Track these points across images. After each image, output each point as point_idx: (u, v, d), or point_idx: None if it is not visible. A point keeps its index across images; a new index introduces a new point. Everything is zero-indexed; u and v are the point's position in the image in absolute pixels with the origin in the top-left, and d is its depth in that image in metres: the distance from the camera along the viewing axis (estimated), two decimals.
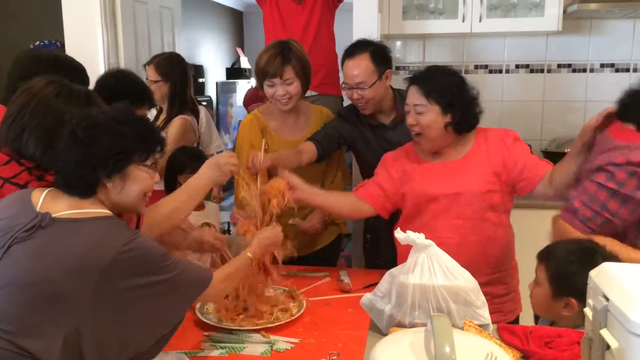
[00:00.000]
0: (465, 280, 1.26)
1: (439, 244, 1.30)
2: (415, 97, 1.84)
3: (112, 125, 1.36)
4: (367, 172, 2.40)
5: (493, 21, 2.93)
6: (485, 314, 1.27)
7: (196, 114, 2.82)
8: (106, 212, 1.34)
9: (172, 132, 2.60)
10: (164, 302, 1.34)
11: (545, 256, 1.46)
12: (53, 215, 1.29)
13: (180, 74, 2.74)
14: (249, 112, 3.37)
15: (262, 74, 2.19)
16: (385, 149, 2.26)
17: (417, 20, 3.00)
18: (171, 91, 2.72)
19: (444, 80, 1.84)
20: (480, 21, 2.89)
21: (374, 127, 2.29)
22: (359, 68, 2.14)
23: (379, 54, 2.18)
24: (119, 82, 2.10)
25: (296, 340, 1.67)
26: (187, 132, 2.68)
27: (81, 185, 1.33)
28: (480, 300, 1.28)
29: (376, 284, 1.98)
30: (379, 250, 2.42)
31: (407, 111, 1.87)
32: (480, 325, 1.24)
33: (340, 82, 2.30)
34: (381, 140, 2.28)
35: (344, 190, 2.57)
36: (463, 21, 2.90)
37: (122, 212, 1.41)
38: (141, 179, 1.40)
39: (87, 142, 1.32)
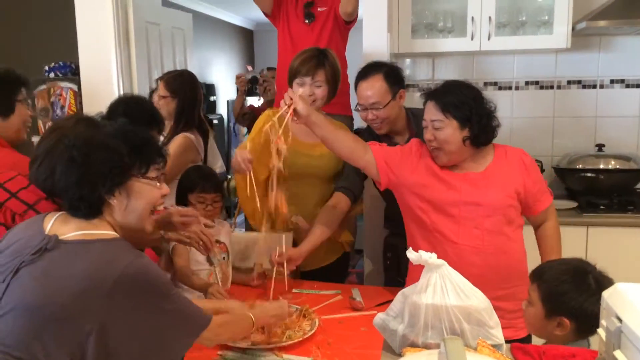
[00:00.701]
0: (478, 300, 1.26)
1: (458, 250, 1.31)
2: (432, 112, 1.84)
3: (105, 141, 1.35)
4: (386, 194, 2.41)
5: (502, 39, 2.95)
6: (498, 334, 1.27)
7: (204, 134, 2.81)
8: (112, 233, 1.34)
9: (172, 149, 2.56)
10: (163, 332, 1.31)
11: (537, 276, 1.48)
12: (60, 238, 1.29)
13: (190, 92, 2.75)
14: (237, 121, 4.21)
15: (294, 73, 2.24)
16: None
17: (426, 38, 3.02)
18: (178, 108, 2.71)
19: (461, 95, 1.84)
20: (489, 39, 2.91)
21: None
22: (373, 89, 2.17)
23: (392, 74, 2.21)
24: (129, 108, 2.12)
25: (309, 359, 1.67)
26: (188, 151, 2.65)
27: (84, 206, 1.32)
28: (493, 320, 1.28)
29: (388, 302, 2.00)
30: (400, 267, 2.42)
31: (425, 126, 1.87)
32: (494, 346, 1.24)
33: (354, 104, 2.32)
34: None
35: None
36: (472, 39, 2.92)
37: (130, 234, 1.39)
38: (145, 192, 1.39)
39: (82, 161, 1.31)
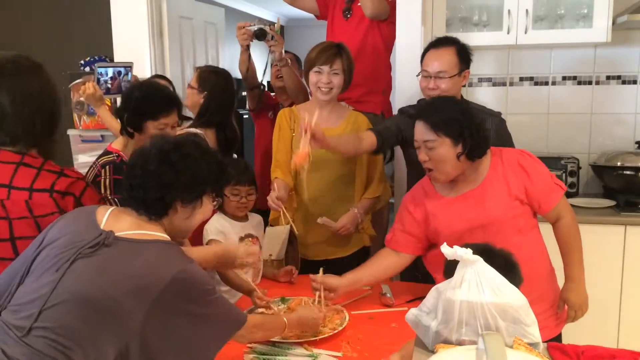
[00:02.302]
0: (514, 297, 1.23)
1: None
2: (423, 132, 1.81)
3: (202, 156, 1.43)
4: (417, 173, 2.38)
5: (539, 33, 2.88)
6: (535, 332, 1.23)
7: (229, 142, 2.67)
8: (165, 236, 1.39)
9: None
10: (203, 333, 1.37)
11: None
12: (116, 234, 1.33)
13: (219, 92, 2.61)
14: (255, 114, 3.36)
15: (312, 62, 2.33)
16: None
17: (461, 32, 2.97)
18: (204, 104, 2.60)
19: (449, 111, 1.82)
20: (525, 33, 2.84)
21: None
22: (443, 58, 2.21)
23: (464, 52, 2.25)
24: (144, 93, 2.14)
25: (339, 354, 1.66)
26: None
27: (159, 206, 1.38)
28: (530, 318, 1.24)
29: (419, 298, 1.99)
30: (416, 261, 2.39)
31: (417, 147, 1.85)
32: (530, 344, 1.21)
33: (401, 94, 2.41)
34: None
35: (383, 200, 2.58)
36: (508, 33, 2.86)
37: (174, 237, 1.44)
38: (206, 210, 1.48)
39: (179, 168, 1.38)
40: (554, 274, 1.99)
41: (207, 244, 2.16)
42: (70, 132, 3.24)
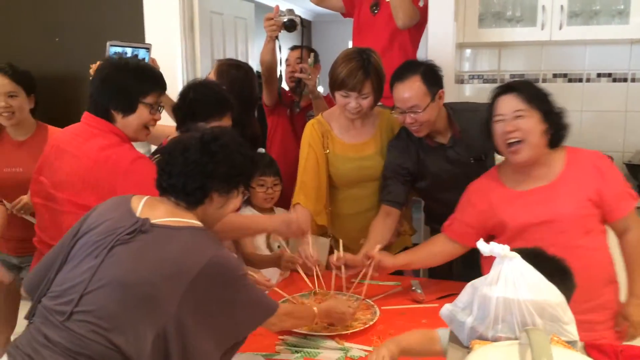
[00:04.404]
0: (552, 294, 1.21)
1: None
2: (514, 103, 1.78)
3: (238, 148, 1.47)
4: (433, 198, 2.37)
5: (574, 29, 2.84)
6: (573, 331, 1.22)
7: (249, 138, 2.42)
8: (198, 223, 1.41)
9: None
10: (234, 319, 1.39)
11: None
12: (152, 221, 1.36)
13: (239, 88, 2.42)
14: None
15: (340, 84, 2.15)
16: (447, 169, 2.22)
17: (494, 28, 2.94)
18: None
19: (538, 90, 1.82)
20: (560, 29, 2.81)
21: (434, 149, 2.22)
22: (411, 91, 2.05)
23: (430, 74, 2.09)
24: (199, 94, 2.10)
25: (370, 349, 1.66)
26: None
27: (198, 195, 1.42)
28: (568, 316, 1.23)
29: (450, 295, 1.98)
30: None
31: (500, 120, 1.80)
32: (568, 342, 1.19)
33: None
34: (442, 160, 2.22)
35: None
36: (542, 29, 2.82)
37: (205, 226, 1.46)
38: (237, 200, 1.51)
39: (221, 158, 1.42)
40: (617, 286, 1.91)
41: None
42: None
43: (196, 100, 2.06)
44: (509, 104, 1.79)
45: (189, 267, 1.29)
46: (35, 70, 2.66)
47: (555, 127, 1.79)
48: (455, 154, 2.20)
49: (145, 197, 1.45)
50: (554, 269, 1.32)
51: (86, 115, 1.88)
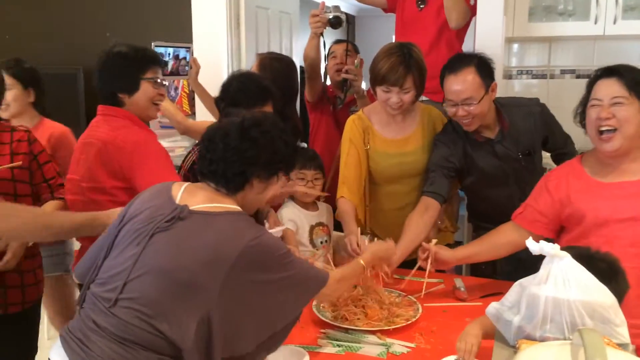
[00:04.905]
0: (604, 295, 1.18)
1: None
2: (614, 89, 1.66)
3: (280, 134, 1.46)
4: (479, 195, 2.32)
5: (629, 23, 2.74)
6: (625, 333, 1.18)
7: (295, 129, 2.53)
8: (237, 207, 1.42)
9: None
10: (283, 297, 1.39)
11: None
12: (190, 208, 1.37)
13: (281, 81, 2.47)
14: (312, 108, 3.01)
15: (381, 80, 2.14)
16: (495, 165, 2.18)
17: (544, 22, 2.87)
18: None
19: None
20: (614, 23, 2.71)
21: (481, 144, 2.19)
22: (465, 83, 2.03)
23: (483, 66, 2.07)
24: (242, 84, 2.15)
25: (412, 345, 1.65)
26: None
27: (238, 181, 1.42)
28: (620, 318, 1.19)
29: (494, 294, 1.95)
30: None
31: (597, 105, 1.69)
32: (619, 345, 1.16)
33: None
34: (490, 156, 2.19)
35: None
36: (595, 23, 2.73)
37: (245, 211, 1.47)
38: (276, 187, 1.52)
39: (262, 144, 1.42)
40: None
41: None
42: None
43: (239, 90, 2.10)
44: (609, 89, 1.68)
45: (228, 253, 1.29)
46: (86, 64, 2.74)
47: None
48: (504, 149, 2.16)
49: (186, 184, 1.46)
50: (606, 270, 1.29)
51: (99, 107, 2.03)
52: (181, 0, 3.44)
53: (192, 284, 1.29)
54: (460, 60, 2.08)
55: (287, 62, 2.67)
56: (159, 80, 2.04)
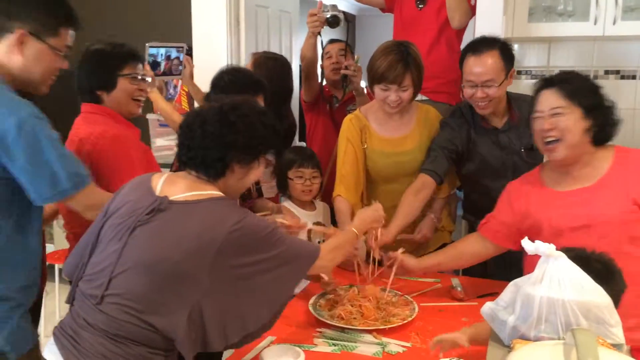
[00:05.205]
0: (599, 296, 1.18)
1: None
2: (553, 99, 1.69)
3: (259, 117, 1.44)
4: (476, 185, 2.32)
5: (629, 24, 2.72)
6: (619, 334, 1.18)
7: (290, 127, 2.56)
8: (219, 193, 1.40)
9: None
10: (276, 275, 1.38)
11: None
12: (170, 199, 1.36)
13: (276, 80, 2.46)
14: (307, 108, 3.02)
15: (379, 78, 2.15)
16: (496, 155, 2.20)
17: (544, 22, 2.86)
18: None
19: (584, 84, 1.72)
20: (614, 24, 2.70)
21: (486, 131, 2.22)
22: (487, 65, 2.06)
23: (506, 50, 2.11)
24: (233, 77, 2.16)
25: (408, 344, 1.66)
26: None
27: (218, 167, 1.40)
28: (615, 318, 1.19)
29: (490, 294, 1.94)
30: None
31: (539, 117, 1.72)
32: (614, 345, 1.16)
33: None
34: (492, 144, 2.21)
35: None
36: (595, 24, 2.72)
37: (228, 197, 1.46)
38: (258, 171, 1.49)
39: (240, 128, 1.39)
40: None
41: None
42: (150, 116, 3.37)
43: (230, 82, 2.11)
44: (547, 101, 1.71)
45: (211, 239, 1.29)
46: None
47: (601, 124, 1.68)
48: (507, 140, 2.19)
49: (166, 174, 1.45)
50: (601, 270, 1.28)
51: (82, 105, 2.04)
52: (181, 1, 3.44)
53: (178, 274, 1.28)
54: (484, 42, 2.11)
55: (282, 61, 2.68)
56: (138, 77, 2.03)
